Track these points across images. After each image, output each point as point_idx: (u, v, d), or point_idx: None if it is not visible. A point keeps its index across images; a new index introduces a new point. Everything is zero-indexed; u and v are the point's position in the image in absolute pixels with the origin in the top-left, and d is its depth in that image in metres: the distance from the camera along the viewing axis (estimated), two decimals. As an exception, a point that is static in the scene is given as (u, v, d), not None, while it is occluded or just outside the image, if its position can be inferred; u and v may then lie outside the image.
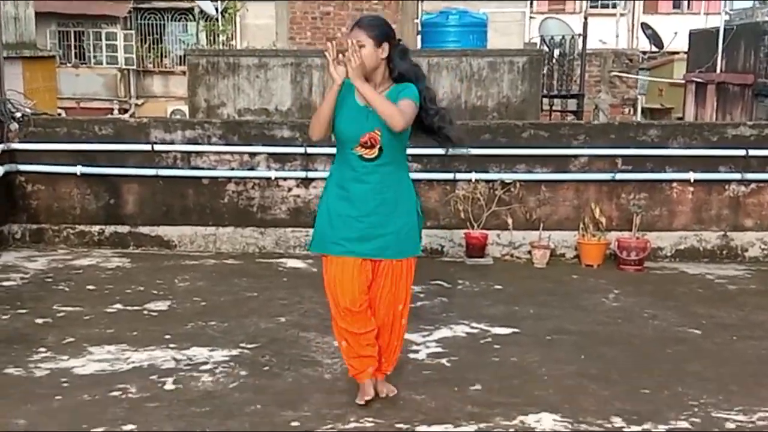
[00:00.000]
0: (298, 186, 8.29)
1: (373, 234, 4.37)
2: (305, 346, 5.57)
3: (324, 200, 4.52)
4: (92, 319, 6.09)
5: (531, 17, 28.53)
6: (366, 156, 4.34)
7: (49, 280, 7.15)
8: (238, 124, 8.55)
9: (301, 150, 8.19)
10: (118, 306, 6.43)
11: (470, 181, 8.20)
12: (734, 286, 7.31)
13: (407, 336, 5.64)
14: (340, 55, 4.21)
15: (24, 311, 6.23)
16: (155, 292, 6.83)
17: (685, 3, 36.32)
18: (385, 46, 4.33)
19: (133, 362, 5.23)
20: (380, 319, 4.52)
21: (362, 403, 4.50)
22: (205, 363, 5.23)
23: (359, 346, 4.48)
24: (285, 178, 8.29)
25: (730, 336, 5.90)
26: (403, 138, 4.38)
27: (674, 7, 36.51)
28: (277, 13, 16.19)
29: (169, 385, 4.84)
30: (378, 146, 4.31)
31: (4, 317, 6.08)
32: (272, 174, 8.25)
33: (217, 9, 25.35)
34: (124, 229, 8.38)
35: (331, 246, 4.42)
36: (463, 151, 5.19)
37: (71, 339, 5.62)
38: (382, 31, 4.34)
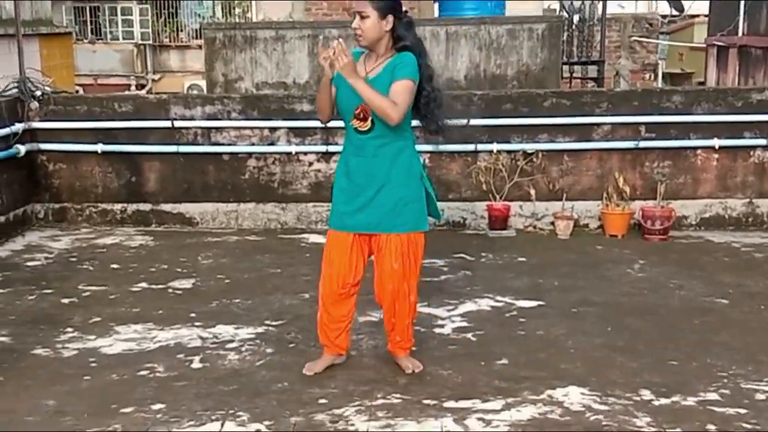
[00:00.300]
0: (318, 160, 8.26)
1: (366, 208, 4.38)
2: (330, 322, 5.55)
3: (335, 177, 4.60)
4: (117, 298, 6.11)
5: (549, -18, 28.24)
6: (360, 129, 4.34)
7: (74, 259, 7.18)
8: (257, 98, 8.50)
9: (320, 124, 8.14)
10: (143, 284, 6.44)
11: (492, 152, 8.14)
12: (761, 254, 7.24)
13: (432, 311, 5.67)
14: (329, 58, 4.19)
15: (50, 291, 6.26)
16: (179, 270, 6.84)
17: (705, -36, 35.75)
18: (390, 18, 4.30)
19: (160, 341, 5.24)
20: (387, 295, 4.51)
21: (306, 372, 4.64)
22: (231, 341, 5.23)
23: (329, 327, 4.61)
24: (305, 153, 8.26)
25: (757, 305, 5.85)
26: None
27: (694, -32, 35.99)
28: (293, -16, 16.06)
29: (196, 364, 4.85)
30: (370, 118, 4.29)
31: (30, 297, 6.11)
32: (293, 149, 8.22)
33: (232, -19, 25.25)
34: (146, 206, 8.39)
35: (332, 219, 4.53)
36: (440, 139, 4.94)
37: (97, 318, 5.64)
38: (388, 4, 4.31)
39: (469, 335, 5.31)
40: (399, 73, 4.27)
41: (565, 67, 14.93)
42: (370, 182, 4.37)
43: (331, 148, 8.19)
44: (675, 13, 27.74)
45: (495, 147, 8.11)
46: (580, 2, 16.41)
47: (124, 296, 6.15)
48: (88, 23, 26.85)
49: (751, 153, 8.19)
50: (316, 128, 8.20)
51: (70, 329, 5.44)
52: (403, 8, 4.41)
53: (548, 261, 7.06)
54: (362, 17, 4.27)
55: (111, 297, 6.13)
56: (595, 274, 6.66)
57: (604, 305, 5.87)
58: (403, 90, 4.24)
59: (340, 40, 4.21)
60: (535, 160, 8.13)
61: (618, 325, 5.44)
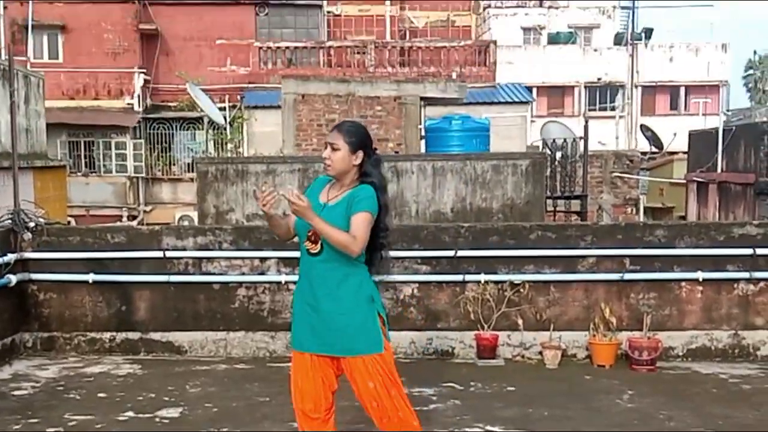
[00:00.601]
0: (308, 290, 8.31)
1: (319, 330, 4.45)
2: (319, 451, 5.51)
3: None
4: (104, 427, 6.06)
5: (532, 121, 29.09)
6: (311, 251, 4.46)
7: (60, 388, 7.13)
8: (248, 229, 8.64)
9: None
10: (130, 414, 6.39)
11: (479, 282, 8.23)
12: (748, 386, 7.27)
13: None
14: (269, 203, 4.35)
15: (35, 420, 6.20)
16: (167, 398, 6.80)
17: (683, 104, 36.96)
18: (360, 153, 4.50)
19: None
20: (374, 412, 4.52)
21: None
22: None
23: None
24: (295, 282, 8.31)
25: (747, 436, 5.85)
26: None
27: (671, 108, 37.17)
28: (284, 121, 16.50)
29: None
30: (320, 242, 4.40)
31: (16, 427, 6.05)
32: (282, 278, 8.30)
33: (225, 118, 25.86)
34: (135, 335, 8.39)
35: (293, 340, 4.60)
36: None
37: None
38: (360, 140, 4.52)
39: (460, 465, 5.28)
40: (357, 205, 4.41)
41: (549, 201, 15.25)
42: (319, 304, 4.44)
43: (321, 278, 8.26)
44: (654, 149, 28.51)
45: (482, 277, 8.22)
46: (562, 140, 16.89)
47: (110, 425, 6.10)
48: (83, 156, 27.29)
49: (735, 286, 8.31)
50: (306, 258, 8.28)
51: (55, 459, 5.38)
52: (374, 146, 4.64)
53: (537, 391, 7.06)
54: (333, 149, 4.45)
55: (97, 426, 6.07)
56: (585, 404, 6.66)
57: (594, 436, 5.85)
58: (361, 222, 4.38)
59: (289, 187, 4.42)
60: (522, 290, 8.23)
61: (608, 456, 5.42)
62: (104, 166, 27.29)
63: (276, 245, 8.30)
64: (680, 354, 8.29)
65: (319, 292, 4.44)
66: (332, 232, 4.31)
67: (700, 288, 8.30)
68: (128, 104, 28.36)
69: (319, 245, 4.41)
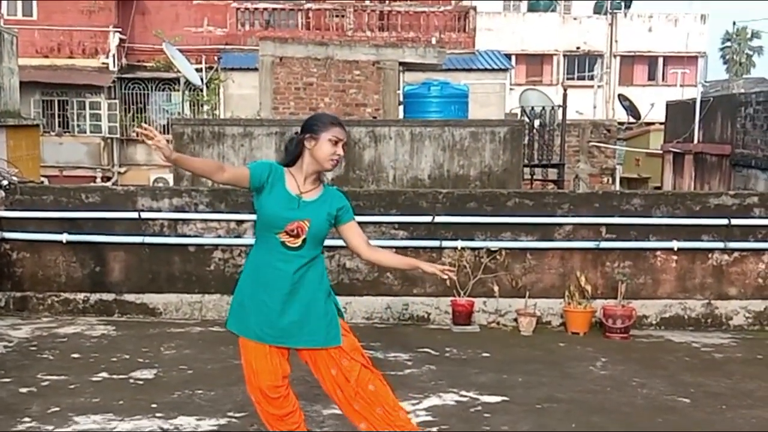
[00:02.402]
0: (284, 254, 8.28)
1: (285, 322, 4.31)
2: (294, 414, 5.51)
3: (241, 281, 4.45)
4: (77, 388, 6.01)
5: (510, 89, 29.03)
6: (288, 244, 4.29)
7: (34, 348, 7.07)
8: (225, 192, 8.57)
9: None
10: (104, 374, 6.35)
11: (456, 248, 8.24)
12: (721, 355, 7.34)
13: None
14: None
15: (8, 380, 6.14)
16: (141, 360, 6.76)
17: (661, 75, 37.05)
18: None
19: (116, 430, 5.16)
20: (342, 399, 4.40)
21: None
22: None
23: (282, 421, 4.43)
24: (272, 246, 8.28)
25: (719, 405, 5.90)
26: (326, 232, 4.42)
27: (650, 79, 37.25)
28: (261, 83, 16.35)
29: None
30: (303, 237, 4.29)
31: (-12, 386, 6.00)
32: (259, 242, 8.25)
33: (201, 79, 25.59)
34: (109, 296, 8.33)
35: (245, 329, 4.37)
36: None
37: (56, 408, 5.54)
38: None
39: (434, 429, 5.29)
40: (347, 215, 4.44)
41: (527, 170, 15.25)
42: (292, 296, 4.31)
43: (298, 242, 8.23)
44: (632, 120, 28.59)
45: (459, 244, 8.22)
46: (540, 108, 16.87)
47: (84, 386, 6.05)
48: (56, 116, 26.96)
49: (710, 255, 8.37)
50: (282, 222, 8.24)
51: (27, 419, 5.33)
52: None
53: (512, 357, 7.09)
54: (344, 147, 4.37)
55: (71, 387, 6.03)
56: (559, 371, 6.70)
57: (568, 402, 5.89)
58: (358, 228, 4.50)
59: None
60: (498, 257, 8.24)
61: (583, 423, 5.46)
62: (78, 126, 26.99)
63: (252, 208, 8.23)
64: (654, 322, 8.35)
65: (293, 284, 4.31)
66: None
67: (675, 257, 8.35)
68: (103, 63, 27.97)
69: (301, 240, 4.29)
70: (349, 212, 4.46)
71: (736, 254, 8.37)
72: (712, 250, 8.37)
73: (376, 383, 4.38)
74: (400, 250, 8.28)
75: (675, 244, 8.27)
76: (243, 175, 4.33)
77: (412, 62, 16.50)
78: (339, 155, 4.34)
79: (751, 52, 54.98)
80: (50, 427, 5.19)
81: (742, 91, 18.31)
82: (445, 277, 4.45)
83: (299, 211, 4.28)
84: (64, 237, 8.22)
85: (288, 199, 4.30)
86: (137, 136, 4.26)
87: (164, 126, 26.21)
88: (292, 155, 4.40)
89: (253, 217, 8.11)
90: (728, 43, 54.93)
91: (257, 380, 4.36)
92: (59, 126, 26.91)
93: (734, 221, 8.28)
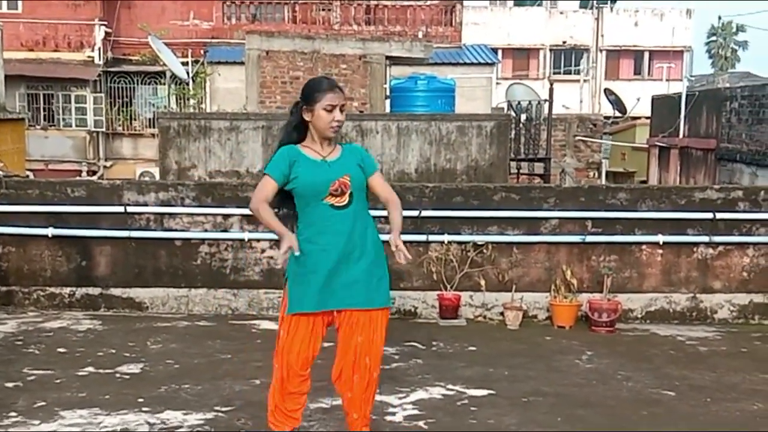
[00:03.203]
0: (271, 247, 8.29)
1: (342, 283, 4.38)
2: (281, 408, 5.51)
3: (295, 262, 4.42)
4: (63, 382, 6.00)
5: (497, 83, 29.07)
6: (337, 204, 4.36)
7: (19, 342, 7.05)
8: (211, 186, 8.57)
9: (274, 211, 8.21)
10: (90, 369, 6.34)
11: (443, 242, 8.25)
12: (705, 348, 7.38)
13: (383, 398, 5.65)
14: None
15: (-7, 375, 6.13)
16: (127, 354, 6.75)
17: (646, 69, 37.17)
18: None
19: (106, 427, 5.14)
20: (347, 366, 4.49)
21: None
22: (180, 427, 5.16)
23: (290, 401, 4.52)
24: (258, 240, 8.29)
25: (704, 398, 5.94)
26: (365, 182, 4.48)
27: (635, 73, 37.36)
28: (247, 77, 16.31)
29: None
30: (348, 191, 4.37)
31: (-27, 381, 5.98)
32: (246, 235, 8.26)
33: (187, 73, 25.52)
34: (95, 290, 8.31)
35: (298, 303, 4.41)
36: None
37: (42, 403, 5.53)
38: None
39: (421, 423, 5.31)
40: (371, 167, 4.51)
41: (513, 164, 15.29)
42: (349, 256, 4.37)
43: (284, 236, 8.23)
44: (618, 114, 28.67)
45: (446, 238, 8.24)
46: (527, 102, 16.90)
47: (70, 381, 6.04)
48: (42, 110, 26.83)
49: (695, 249, 8.42)
50: (269, 216, 8.24)
51: (13, 414, 5.32)
52: None
53: (498, 351, 7.12)
54: (342, 110, 4.40)
55: (57, 381, 6.02)
56: (545, 364, 6.73)
57: (554, 395, 5.91)
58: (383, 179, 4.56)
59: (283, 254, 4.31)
60: (485, 251, 8.26)
61: (569, 416, 5.48)
62: (64, 119, 26.87)
63: (239, 202, 8.25)
64: (639, 316, 8.39)
65: (351, 244, 4.37)
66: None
67: (660, 251, 8.39)
68: (89, 57, 27.86)
69: (347, 196, 4.37)
70: (372, 163, 4.54)
71: (720, 248, 8.42)
72: (697, 244, 8.41)
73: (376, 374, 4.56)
74: (386, 245, 8.27)
75: (660, 238, 8.31)
76: (273, 186, 4.39)
77: (399, 56, 16.50)
78: (338, 121, 4.38)
79: (736, 47, 55.26)
80: (36, 422, 5.17)
81: (728, 85, 18.40)
82: (400, 257, 4.39)
83: (334, 171, 4.37)
84: (50, 231, 8.19)
85: (317, 165, 4.37)
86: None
87: (150, 120, 26.14)
88: (298, 130, 4.47)
89: (240, 211, 8.17)
90: (714, 38, 55.14)
91: (293, 363, 4.42)
92: (45, 120, 26.79)
93: (719, 215, 8.33)
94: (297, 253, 4.26)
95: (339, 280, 4.38)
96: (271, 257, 8.30)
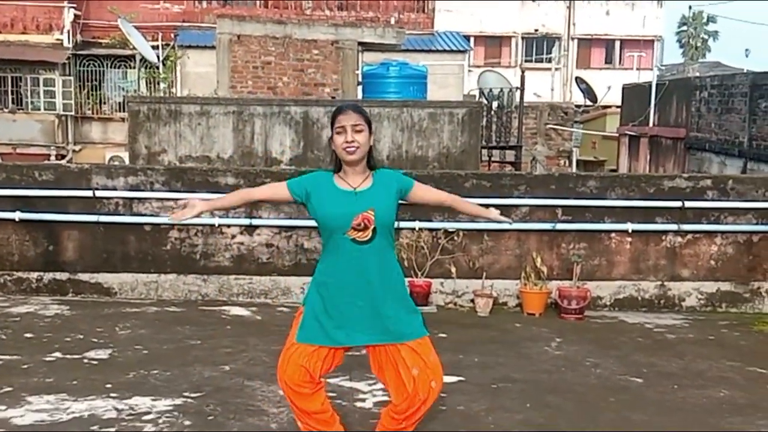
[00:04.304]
0: (242, 233, 8.25)
1: (369, 320, 4.20)
2: (250, 395, 5.51)
3: (313, 294, 4.29)
4: (30, 367, 5.94)
5: (469, 70, 29.08)
6: (359, 239, 4.16)
7: (-15, 328, 6.98)
8: (181, 171, 8.50)
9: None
10: (57, 354, 6.28)
11: (414, 229, 8.25)
12: (673, 335, 7.45)
13: (353, 384, 5.67)
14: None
15: (-41, 360, 6.05)
16: (95, 340, 6.70)
17: (617, 58, 37.35)
18: (371, 136, 4.27)
19: (73, 412, 5.10)
20: (417, 402, 4.27)
21: None
22: (148, 413, 5.13)
23: (312, 419, 4.34)
24: (229, 225, 8.25)
25: (671, 385, 6.00)
26: (394, 217, 4.29)
27: (606, 62, 37.52)
28: (218, 61, 16.18)
29: (112, 436, 4.74)
30: (372, 227, 4.15)
31: (-62, 366, 5.90)
32: (216, 221, 8.21)
33: (158, 56, 25.28)
34: (63, 275, 8.23)
35: (321, 338, 4.22)
36: None
37: (9, 388, 5.47)
38: (369, 120, 4.28)
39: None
40: (408, 183, 4.32)
41: (484, 151, 15.32)
42: (370, 293, 4.20)
43: (255, 221, 8.21)
44: (589, 102, 28.80)
45: (417, 225, 8.24)
46: (498, 90, 16.93)
47: (37, 366, 5.98)
48: (9, 93, 26.48)
49: (663, 237, 8.48)
50: (240, 201, 8.20)
51: (-21, 399, 5.27)
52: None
53: (468, 337, 7.14)
54: (358, 130, 4.16)
55: (24, 366, 5.96)
56: (514, 351, 6.76)
57: (523, 382, 5.95)
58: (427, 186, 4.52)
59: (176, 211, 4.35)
60: (456, 238, 8.28)
61: (537, 402, 5.51)
62: (32, 103, 26.52)
63: (210, 187, 8.19)
64: (608, 303, 8.45)
65: (373, 280, 4.18)
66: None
67: (629, 239, 8.45)
68: (57, 40, 27.48)
69: (370, 231, 4.14)
70: (407, 180, 4.32)
71: (689, 236, 8.49)
72: (665, 232, 8.47)
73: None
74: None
75: (629, 226, 8.37)
76: (281, 192, 4.29)
77: (371, 42, 16.44)
78: (350, 142, 4.13)
79: (706, 37, 55.63)
80: (3, 407, 5.12)
81: (698, 75, 18.53)
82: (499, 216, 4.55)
83: (360, 204, 4.13)
84: (17, 215, 8.10)
85: (343, 195, 4.15)
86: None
87: (120, 104, 25.89)
88: (334, 158, 4.26)
89: (210, 196, 8.10)
90: (684, 27, 55.50)
91: (284, 372, 4.24)
92: (12, 103, 26.43)
93: (688, 204, 8.40)
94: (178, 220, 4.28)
95: (361, 318, 4.20)
96: (242, 243, 8.26)
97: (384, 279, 4.22)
